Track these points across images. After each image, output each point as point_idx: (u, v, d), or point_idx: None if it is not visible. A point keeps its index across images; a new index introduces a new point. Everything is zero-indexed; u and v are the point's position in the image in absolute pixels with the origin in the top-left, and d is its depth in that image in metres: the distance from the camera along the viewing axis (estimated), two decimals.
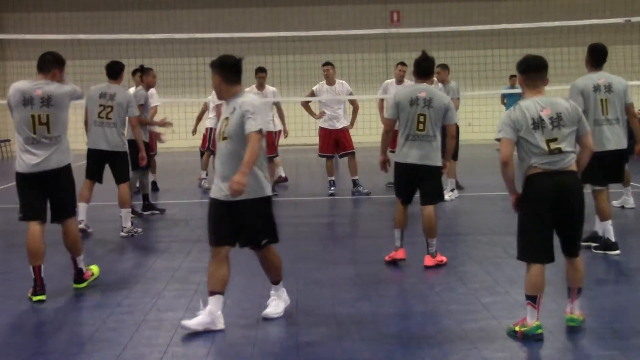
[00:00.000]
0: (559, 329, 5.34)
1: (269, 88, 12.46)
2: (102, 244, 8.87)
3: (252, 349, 5.14)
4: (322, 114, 12.23)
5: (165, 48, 19.09)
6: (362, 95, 17.84)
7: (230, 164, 5.39)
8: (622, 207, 10.13)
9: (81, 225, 8.62)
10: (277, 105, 12.82)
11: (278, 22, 21.81)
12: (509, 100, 19.55)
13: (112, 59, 9.57)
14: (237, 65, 5.52)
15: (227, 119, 5.46)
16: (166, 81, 17.37)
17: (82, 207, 8.90)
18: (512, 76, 19.64)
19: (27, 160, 6.33)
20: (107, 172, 9.25)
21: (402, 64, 12.25)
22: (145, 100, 10.35)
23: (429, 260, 7.29)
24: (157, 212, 10.73)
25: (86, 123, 9.21)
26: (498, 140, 5.27)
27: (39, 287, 6.32)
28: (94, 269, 6.87)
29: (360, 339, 5.25)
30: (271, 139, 12.41)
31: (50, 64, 6.48)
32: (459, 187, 12.25)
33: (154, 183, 12.87)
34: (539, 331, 5.12)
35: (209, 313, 5.46)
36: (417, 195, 7.41)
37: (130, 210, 9.36)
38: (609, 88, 7.48)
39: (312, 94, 12.46)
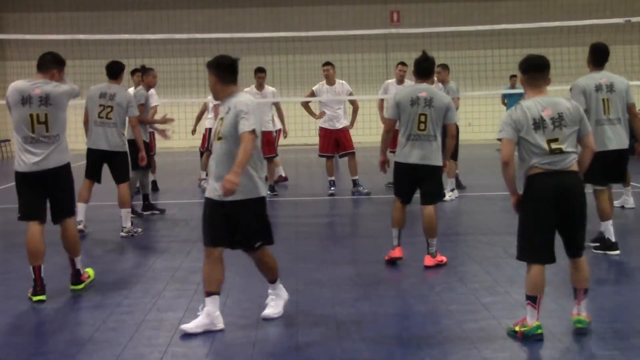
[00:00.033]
0: (559, 329, 5.34)
1: (268, 88, 12.47)
2: (102, 244, 8.87)
3: (252, 349, 5.14)
4: (322, 114, 12.23)
5: (165, 48, 19.09)
6: (362, 95, 17.84)
7: (224, 164, 5.37)
8: (622, 207, 10.13)
9: (80, 226, 8.60)
10: (277, 105, 12.83)
11: (278, 22, 21.82)
12: (509, 100, 19.57)
13: (112, 59, 9.58)
14: (232, 65, 5.51)
15: (222, 119, 5.46)
16: (166, 81, 17.37)
17: (80, 208, 8.90)
18: (512, 76, 19.67)
19: (27, 159, 6.33)
20: (106, 172, 9.25)
21: (403, 64, 12.25)
22: (145, 100, 10.35)
23: (429, 260, 7.29)
24: (157, 212, 10.73)
25: (85, 123, 9.20)
26: (499, 140, 5.27)
27: (39, 287, 6.32)
28: (90, 271, 6.85)
29: (360, 339, 5.25)
30: (270, 139, 12.41)
31: (50, 63, 6.48)
32: (461, 186, 12.25)
33: (154, 183, 12.87)
34: (539, 331, 5.11)
35: (207, 314, 5.45)
36: (417, 195, 7.42)
37: (130, 210, 9.36)
38: (610, 88, 7.47)
39: (312, 94, 12.46)
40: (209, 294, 5.49)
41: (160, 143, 12.99)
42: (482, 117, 20.90)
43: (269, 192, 12.27)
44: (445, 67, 11.39)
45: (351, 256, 7.93)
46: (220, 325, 5.48)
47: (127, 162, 9.35)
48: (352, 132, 12.45)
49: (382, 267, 7.37)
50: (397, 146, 7.35)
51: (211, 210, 5.51)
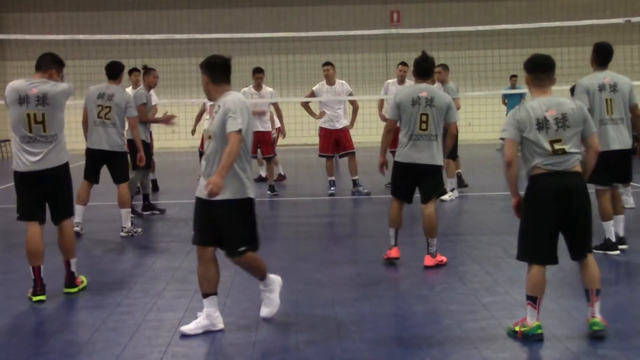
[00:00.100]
0: (559, 329, 5.34)
1: (267, 88, 12.47)
2: (101, 244, 8.87)
3: (252, 349, 5.14)
4: (322, 114, 12.24)
5: (165, 48, 19.10)
6: (362, 95, 17.85)
7: (213, 163, 5.33)
8: (622, 207, 10.10)
9: (76, 228, 8.58)
10: (276, 105, 12.84)
11: (278, 22, 21.83)
12: (510, 100, 19.58)
13: (112, 59, 9.57)
14: (224, 64, 5.46)
15: (213, 118, 5.45)
16: (166, 81, 17.36)
17: (78, 210, 8.84)
18: (513, 76, 19.69)
19: (25, 159, 6.32)
20: (105, 172, 9.24)
21: (403, 64, 12.25)
22: (146, 100, 10.34)
23: (429, 260, 7.29)
24: (157, 212, 10.73)
25: (84, 123, 9.20)
26: (502, 139, 5.25)
27: (38, 287, 6.32)
28: (83, 278, 6.78)
29: (360, 339, 5.25)
30: (269, 139, 12.39)
31: (49, 63, 6.47)
32: (463, 184, 12.24)
33: (154, 182, 12.87)
34: (539, 331, 5.11)
35: (206, 316, 5.45)
36: (417, 195, 7.43)
37: (130, 210, 9.36)
38: (614, 87, 7.43)
39: (312, 94, 12.46)
40: (205, 295, 5.48)
41: (160, 143, 13.00)
42: (482, 117, 20.90)
43: (269, 192, 12.28)
44: (445, 67, 11.40)
45: (351, 256, 7.93)
46: (220, 325, 5.48)
47: (127, 162, 9.35)
48: (352, 132, 12.45)
49: (382, 267, 7.37)
50: (398, 146, 7.34)
51: (200, 210, 5.47)
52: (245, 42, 19.56)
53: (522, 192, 5.26)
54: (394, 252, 7.44)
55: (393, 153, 7.60)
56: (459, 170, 12.18)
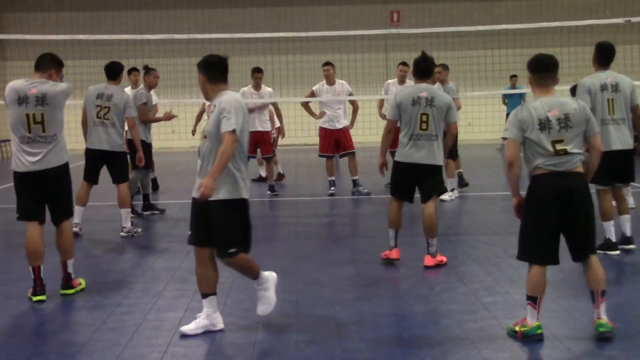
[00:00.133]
0: (559, 329, 5.34)
1: (266, 88, 12.46)
2: (101, 244, 8.87)
3: (252, 349, 5.14)
4: (322, 114, 12.23)
5: (165, 48, 19.10)
6: (362, 95, 17.86)
7: (208, 163, 5.29)
8: (628, 207, 10.09)
9: (75, 229, 8.57)
10: (275, 105, 12.84)
11: (278, 22, 21.83)
12: (510, 100, 19.58)
13: (112, 59, 9.57)
14: (220, 64, 5.43)
15: (209, 117, 5.44)
16: (166, 81, 17.37)
17: (78, 211, 8.82)
18: (513, 76, 19.69)
19: (24, 159, 6.31)
20: (104, 173, 9.23)
21: (404, 64, 12.24)
22: (147, 99, 10.34)
23: (429, 260, 7.29)
24: (157, 212, 10.73)
25: (83, 123, 9.20)
26: (504, 138, 5.25)
27: (38, 287, 6.32)
28: (82, 281, 6.73)
29: (360, 339, 5.25)
30: (267, 139, 12.37)
31: (48, 63, 6.47)
32: (464, 183, 12.23)
33: (154, 180, 12.87)
34: (539, 331, 5.11)
35: (206, 316, 5.44)
36: (417, 195, 7.43)
37: (130, 210, 9.36)
38: (616, 88, 7.40)
39: (312, 94, 12.46)
40: (205, 295, 5.48)
41: (160, 143, 13.00)
42: (482, 117, 20.91)
43: (269, 192, 12.28)
44: (445, 67, 11.39)
45: (351, 256, 7.93)
46: (220, 325, 5.48)
47: (126, 162, 9.35)
48: (352, 132, 12.45)
49: (382, 267, 7.37)
50: (398, 146, 7.34)
51: (195, 210, 5.43)
52: (245, 42, 19.56)
53: (522, 192, 5.26)
54: (394, 254, 7.44)
55: (393, 153, 7.59)
56: (460, 170, 12.18)
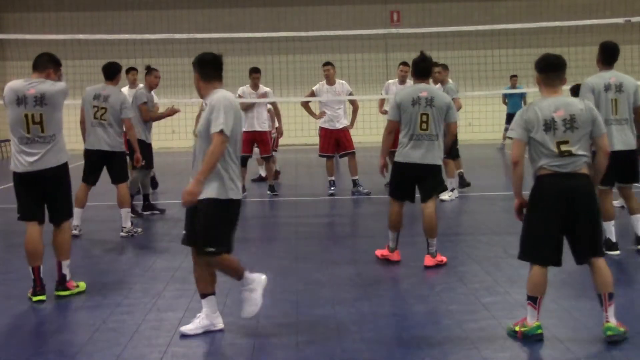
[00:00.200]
0: (559, 329, 5.34)
1: (263, 88, 12.44)
2: (101, 244, 8.87)
3: (252, 349, 5.14)
4: (322, 114, 12.23)
5: (165, 48, 19.09)
6: (362, 95, 17.85)
7: (198, 162, 5.26)
8: (622, 207, 10.10)
9: (75, 231, 8.56)
10: (274, 104, 12.84)
11: (278, 22, 21.82)
12: (510, 100, 19.58)
13: (112, 59, 9.57)
14: (214, 61, 5.39)
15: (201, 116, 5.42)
16: (166, 81, 17.35)
17: (77, 212, 8.79)
18: (513, 76, 19.70)
19: (22, 160, 6.30)
20: (104, 173, 9.22)
21: (405, 64, 12.21)
22: (147, 99, 10.34)
23: (429, 260, 7.29)
24: (157, 212, 10.74)
25: (82, 123, 9.20)
26: (510, 138, 5.24)
27: (38, 287, 6.31)
28: (82, 284, 6.64)
29: (360, 339, 5.25)
30: (265, 139, 12.34)
31: (46, 62, 6.46)
32: (466, 184, 12.22)
33: (152, 178, 12.84)
34: (539, 331, 5.11)
35: (205, 316, 5.44)
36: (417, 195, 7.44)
37: (129, 210, 9.36)
38: (619, 88, 7.37)
39: (312, 94, 12.46)
40: (203, 295, 5.47)
41: (160, 143, 12.99)
42: (482, 117, 20.90)
43: (269, 192, 12.28)
44: (445, 67, 11.39)
45: (351, 256, 7.93)
46: (219, 325, 5.48)
47: (125, 162, 9.35)
48: (352, 132, 12.45)
49: (382, 267, 7.37)
50: (398, 146, 7.34)
51: (189, 210, 5.40)
52: (245, 42, 19.57)
53: (524, 193, 5.25)
54: (395, 256, 7.46)
55: (392, 153, 7.59)
56: (461, 170, 12.17)
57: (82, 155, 9.23)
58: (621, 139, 7.36)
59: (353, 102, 12.63)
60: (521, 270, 6.30)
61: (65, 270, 6.50)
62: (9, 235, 9.38)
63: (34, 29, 20.61)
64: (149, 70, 10.63)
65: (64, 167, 6.48)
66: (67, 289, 6.49)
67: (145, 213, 10.59)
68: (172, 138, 19.81)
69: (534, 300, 5.12)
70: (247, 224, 10.07)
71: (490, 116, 20.95)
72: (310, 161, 17.47)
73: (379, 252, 7.59)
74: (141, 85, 10.85)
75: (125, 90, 11.85)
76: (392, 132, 7.44)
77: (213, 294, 5.48)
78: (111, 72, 9.23)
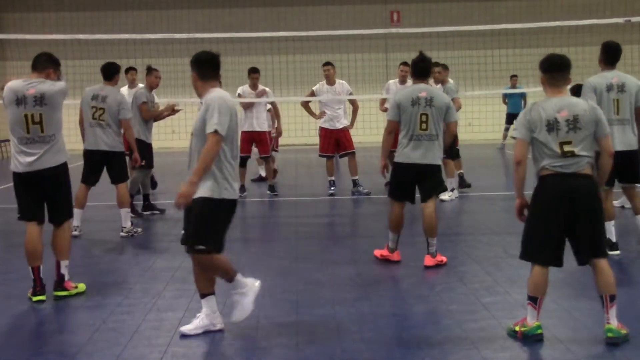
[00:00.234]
0: (559, 329, 5.34)
1: (262, 88, 12.42)
2: (101, 244, 8.87)
3: (252, 349, 5.14)
4: (322, 114, 12.24)
5: (165, 48, 19.10)
6: (362, 95, 17.85)
7: (194, 161, 5.26)
8: (622, 207, 10.11)
9: (75, 232, 8.56)
10: (274, 104, 12.83)
11: (278, 22, 21.82)
12: (510, 100, 19.58)
13: (112, 59, 9.56)
14: (212, 61, 5.37)
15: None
16: (166, 81, 17.34)
17: (77, 213, 8.78)
18: (513, 76, 19.71)
19: (22, 160, 6.30)
20: (103, 173, 9.22)
21: (405, 64, 12.19)
22: (147, 98, 10.33)
23: (429, 260, 7.29)
24: (157, 212, 10.73)
25: (81, 123, 9.19)
26: (514, 137, 5.23)
27: (38, 287, 6.31)
28: (81, 286, 6.61)
29: (360, 339, 5.25)
30: (264, 139, 12.33)
31: (45, 62, 6.45)
32: (465, 184, 12.21)
33: (151, 178, 12.82)
34: (539, 331, 5.11)
35: (205, 316, 5.43)
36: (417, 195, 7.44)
37: (129, 210, 9.35)
38: (621, 88, 7.35)
39: (312, 94, 12.46)
40: (203, 295, 5.46)
41: (160, 143, 12.99)
42: (482, 117, 20.90)
43: (269, 192, 12.28)
44: (445, 67, 11.39)
45: (351, 256, 7.93)
46: (219, 325, 5.47)
47: (125, 162, 9.35)
48: (352, 132, 12.45)
49: (382, 267, 7.37)
50: (398, 146, 7.34)
51: (187, 210, 5.39)
52: (245, 42, 19.57)
53: (526, 193, 5.25)
54: (395, 256, 7.47)
55: (392, 153, 7.59)
56: (461, 171, 12.17)
57: (81, 156, 9.23)
58: (622, 140, 7.33)
59: (353, 102, 12.63)
60: (521, 270, 6.30)
61: (64, 271, 6.48)
62: (9, 235, 9.38)
63: (34, 29, 20.61)
64: (150, 70, 10.62)
65: (63, 167, 6.46)
66: (64, 289, 6.46)
67: (145, 213, 10.59)
68: (172, 138, 19.80)
69: (534, 300, 5.12)
70: (247, 224, 10.08)
71: (490, 116, 20.95)
72: (310, 161, 17.47)
73: (377, 252, 7.60)
74: (141, 85, 10.84)
75: (125, 90, 11.84)
76: (392, 132, 7.44)
77: (213, 293, 5.48)
78: (109, 73, 9.22)
